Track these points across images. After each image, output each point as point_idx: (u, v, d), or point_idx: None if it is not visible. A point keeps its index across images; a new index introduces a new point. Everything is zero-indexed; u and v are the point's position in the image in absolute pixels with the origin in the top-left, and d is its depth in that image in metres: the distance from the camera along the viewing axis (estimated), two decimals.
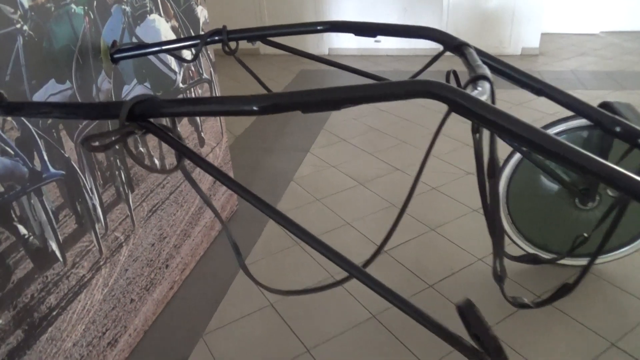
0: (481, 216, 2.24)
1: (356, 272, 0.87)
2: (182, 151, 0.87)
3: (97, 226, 1.42)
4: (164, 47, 1.43)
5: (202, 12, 1.97)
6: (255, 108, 0.81)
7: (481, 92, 0.87)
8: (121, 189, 1.53)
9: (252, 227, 2.27)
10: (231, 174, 2.36)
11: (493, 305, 1.71)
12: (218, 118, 2.19)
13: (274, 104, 0.79)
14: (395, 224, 1.15)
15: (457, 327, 0.78)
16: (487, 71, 0.99)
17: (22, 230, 1.15)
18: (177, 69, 1.81)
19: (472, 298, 1.75)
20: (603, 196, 1.69)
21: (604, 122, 1.32)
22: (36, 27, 1.15)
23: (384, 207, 2.38)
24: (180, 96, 1.85)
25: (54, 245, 1.26)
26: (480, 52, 1.21)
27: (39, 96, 1.17)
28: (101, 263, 1.45)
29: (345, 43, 5.36)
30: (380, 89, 0.81)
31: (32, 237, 1.18)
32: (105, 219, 1.46)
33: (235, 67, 4.70)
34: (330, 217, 2.32)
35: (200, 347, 1.63)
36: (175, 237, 1.87)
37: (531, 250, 1.85)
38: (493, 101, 1.07)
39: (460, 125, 3.14)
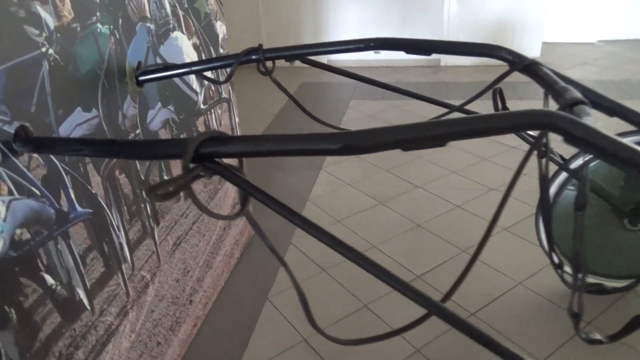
0: (512, 236, 2.15)
1: (436, 308, 0.76)
2: (254, 194, 0.75)
3: (123, 266, 1.28)
4: (194, 68, 1.31)
5: (221, 28, 1.86)
6: (336, 147, 0.69)
7: (593, 121, 0.77)
8: (147, 223, 1.39)
9: (272, 256, 2.14)
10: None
11: (541, 335, 1.61)
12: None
13: (375, 142, 0.67)
14: (467, 269, 1.04)
15: None
16: (579, 94, 0.89)
17: (49, 280, 1.02)
18: (198, 89, 1.68)
19: (517, 327, 1.64)
20: None
21: None
22: (62, 51, 1.03)
23: (409, 227, 2.27)
24: (202, 117, 1.73)
25: (81, 293, 1.12)
26: (553, 72, 1.12)
27: (65, 128, 1.04)
28: (128, 307, 1.31)
29: (342, 56, 5.27)
30: (485, 123, 0.70)
31: (59, 287, 1.05)
32: (132, 257, 1.32)
33: (251, 82, 4.58)
34: (354, 241, 2.20)
35: None
36: (198, 270, 1.73)
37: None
38: None
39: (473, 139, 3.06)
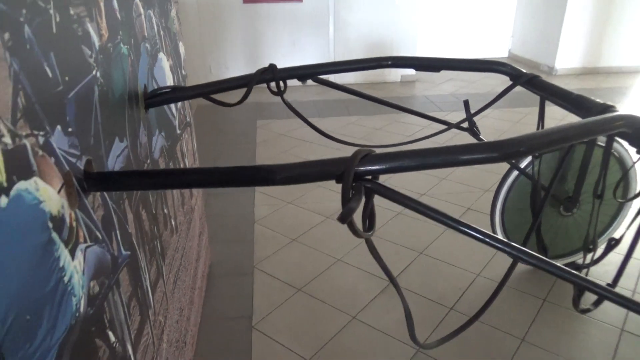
0: (456, 234, 2.38)
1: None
2: (419, 208, 0.76)
3: (150, 313, 1.14)
4: (206, 90, 1.24)
5: (182, 49, 1.76)
6: (496, 155, 0.74)
7: None
8: (159, 262, 1.26)
9: (239, 280, 2.06)
10: (206, 225, 2.12)
11: (513, 316, 1.83)
12: (196, 164, 1.95)
13: (528, 147, 0.74)
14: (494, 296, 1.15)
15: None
16: (600, 101, 1.08)
17: (112, 337, 0.88)
18: (175, 113, 1.57)
19: (490, 313, 1.82)
20: (582, 203, 1.94)
21: None
22: (104, 74, 0.91)
23: (413, 257, 2.19)
24: (178, 143, 1.61)
25: (130, 349, 0.98)
26: (547, 83, 1.30)
27: (111, 161, 0.91)
28: (155, 358, 1.17)
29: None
30: (573, 131, 0.81)
31: (117, 344, 0.90)
32: (154, 302, 1.18)
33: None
34: (317, 257, 2.22)
35: None
36: (187, 308, 1.59)
37: None
38: None
39: None
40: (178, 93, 1.22)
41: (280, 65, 1.29)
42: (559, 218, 1.98)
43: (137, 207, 1.08)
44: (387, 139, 3.66)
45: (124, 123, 1.01)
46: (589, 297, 1.84)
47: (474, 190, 2.83)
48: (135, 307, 1.03)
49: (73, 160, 0.74)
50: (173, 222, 1.46)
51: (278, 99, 4.90)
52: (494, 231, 1.99)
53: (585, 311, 1.49)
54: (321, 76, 1.37)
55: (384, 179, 2.72)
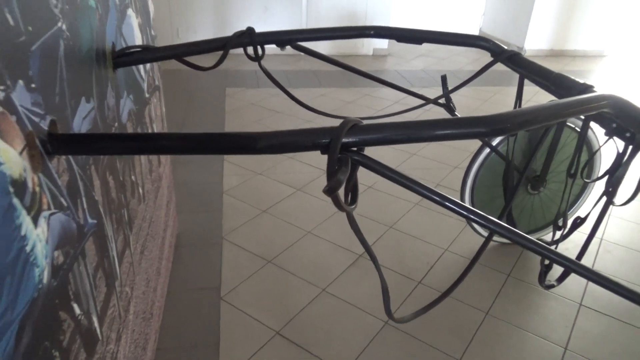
0: (425, 209, 2.40)
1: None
2: (405, 182, 0.74)
3: (116, 284, 1.10)
4: (179, 52, 1.17)
5: (151, 7, 1.65)
6: (489, 129, 0.72)
7: None
8: (125, 230, 1.20)
9: (207, 251, 2.01)
10: (174, 194, 2.05)
11: (480, 289, 1.87)
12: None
13: (522, 121, 0.72)
14: (466, 272, 1.17)
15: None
16: (581, 81, 1.08)
17: (77, 309, 0.83)
18: (144, 76, 1.48)
19: (458, 287, 1.86)
20: (548, 182, 1.99)
21: None
22: (71, 27, 0.83)
23: (383, 231, 2.23)
24: (147, 107, 1.53)
25: (95, 321, 0.93)
26: (524, 59, 1.30)
27: (77, 122, 0.85)
28: (121, 330, 1.13)
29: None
30: (563, 109, 0.81)
31: (82, 317, 0.86)
32: (120, 272, 1.13)
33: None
34: (287, 229, 2.20)
35: None
36: (154, 279, 1.55)
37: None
38: None
39: None
40: (149, 54, 1.14)
41: None
42: (525, 196, 2.02)
43: (104, 174, 1.02)
44: (359, 112, 3.64)
45: (92, 82, 0.94)
46: (553, 274, 1.90)
47: (443, 166, 2.86)
48: (102, 278, 0.98)
49: (36, 119, 0.68)
50: (141, 190, 1.39)
51: (248, 66, 4.78)
52: None
53: (549, 287, 1.54)
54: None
55: None
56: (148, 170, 1.51)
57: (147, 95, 1.52)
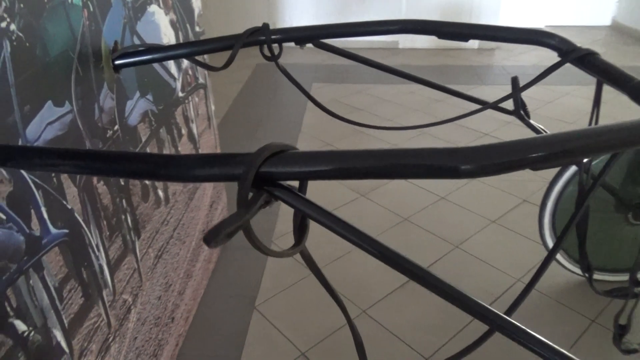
0: (502, 229, 2.09)
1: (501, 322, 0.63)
2: (333, 227, 0.57)
3: (104, 293, 1.06)
4: (185, 51, 1.08)
5: (196, 2, 1.61)
6: (467, 167, 0.52)
7: None
8: (128, 237, 1.16)
9: (253, 255, 1.95)
10: (224, 195, 2.02)
11: (547, 336, 1.56)
12: (212, 130, 1.84)
13: (497, 162, 0.51)
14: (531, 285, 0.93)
15: None
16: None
17: (20, 326, 0.78)
18: (176, 74, 1.44)
19: (529, 324, 1.58)
20: None
21: None
22: (27, 27, 0.78)
23: (396, 222, 2.15)
24: (180, 107, 1.49)
25: (58, 335, 0.89)
26: (603, 62, 1.01)
27: (34, 128, 0.80)
28: (110, 340, 1.09)
29: None
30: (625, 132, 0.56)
31: (32, 333, 0.81)
32: (112, 280, 1.09)
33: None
34: (339, 240, 2.05)
35: None
36: (180, 282, 1.51)
37: (573, 267, 1.72)
38: None
39: (455, 129, 3.01)
40: (153, 54, 1.07)
41: (350, 20, 1.09)
42: (625, 226, 1.64)
43: (89, 180, 0.98)
44: (444, 112, 3.33)
45: (67, 85, 0.89)
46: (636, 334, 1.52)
47: (530, 181, 2.48)
48: (75, 289, 0.94)
49: None
50: (161, 193, 1.35)
51: (338, 60, 4.66)
52: (542, 234, 1.70)
53: (630, 352, 1.21)
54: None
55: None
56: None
57: (180, 94, 1.48)
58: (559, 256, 1.73)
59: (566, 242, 1.69)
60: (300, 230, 0.63)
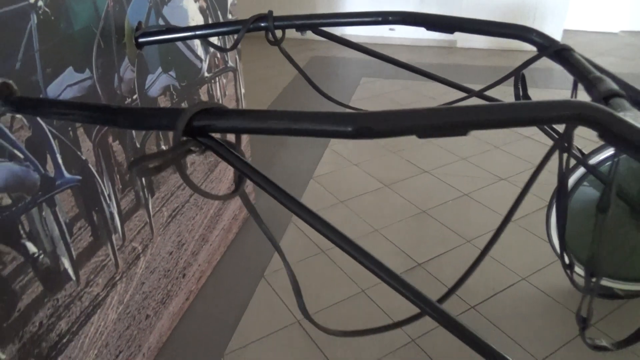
0: (520, 229, 2.08)
1: (430, 308, 0.70)
2: (250, 175, 0.68)
3: (114, 237, 1.23)
4: (198, 33, 1.23)
5: None
6: (349, 129, 0.62)
7: (635, 116, 0.69)
8: (141, 193, 1.33)
9: (272, 230, 2.08)
10: None
11: (543, 334, 1.56)
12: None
13: (375, 127, 0.60)
14: (474, 266, 0.98)
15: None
16: (616, 86, 0.81)
17: (32, 248, 0.96)
18: (203, 56, 1.60)
19: (517, 324, 1.59)
20: None
21: None
22: (53, 4, 0.95)
23: (414, 213, 2.21)
24: (206, 86, 1.65)
25: (66, 263, 1.07)
26: (586, 60, 1.03)
27: (54, 87, 0.97)
28: (117, 278, 1.26)
29: (354, 30, 5.15)
30: (513, 113, 0.62)
31: (42, 256, 0.99)
32: (122, 228, 1.27)
33: (257, 53, 4.48)
34: (356, 223, 2.14)
35: None
36: (194, 244, 1.68)
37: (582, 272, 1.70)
38: None
39: None
40: (171, 34, 1.23)
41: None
42: (637, 233, 1.60)
43: (104, 138, 1.15)
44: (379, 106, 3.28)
45: (88, 56, 1.06)
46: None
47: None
48: (85, 228, 1.12)
49: None
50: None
51: (404, 56, 4.69)
52: (548, 235, 1.69)
53: (598, 348, 1.20)
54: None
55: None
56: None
57: (206, 74, 1.64)
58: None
59: (576, 244, 1.67)
60: (239, 178, 0.74)
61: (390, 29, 5.05)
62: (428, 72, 1.27)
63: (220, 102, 1.78)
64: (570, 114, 0.62)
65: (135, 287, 1.35)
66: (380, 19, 1.19)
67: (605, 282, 1.67)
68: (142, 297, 1.40)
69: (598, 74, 0.89)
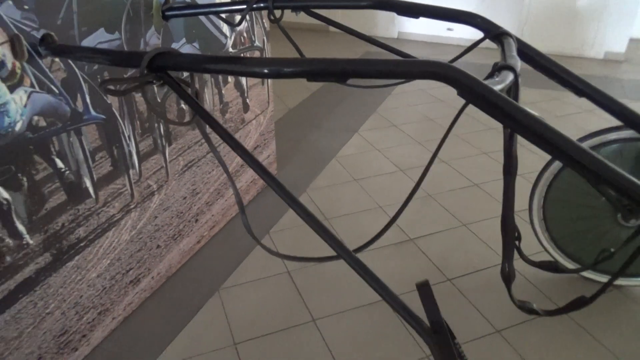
0: (519, 220, 2.15)
1: (346, 255, 0.87)
2: (192, 106, 0.91)
3: (131, 172, 1.52)
4: (212, 9, 1.48)
5: None
6: (265, 71, 0.83)
7: (497, 82, 0.84)
8: (159, 140, 1.61)
9: (296, 187, 2.32)
10: (273, 144, 2.42)
11: (509, 309, 1.66)
12: (266, 86, 2.24)
13: (280, 70, 0.81)
14: (406, 202, 1.14)
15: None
16: (516, 62, 0.95)
17: (59, 163, 1.26)
18: (228, 33, 1.86)
19: (487, 299, 1.70)
20: None
21: None
22: None
23: (421, 196, 2.34)
24: None
25: (87, 183, 1.36)
26: (522, 44, 1.16)
27: (87, 42, 1.26)
28: (132, 206, 1.55)
29: (414, 28, 5.25)
30: (384, 66, 0.80)
31: (67, 172, 1.29)
32: (140, 166, 1.55)
33: (297, 39, 4.74)
34: (363, 199, 2.32)
35: (215, 300, 1.71)
36: (208, 195, 1.95)
37: (562, 260, 1.76)
38: (516, 95, 1.03)
39: None
40: (190, 9, 1.49)
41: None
42: (615, 227, 1.64)
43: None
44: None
45: (119, 21, 1.34)
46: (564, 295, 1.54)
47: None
48: (106, 158, 1.41)
49: (28, 29, 1.10)
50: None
51: (477, 58, 4.76)
52: (531, 220, 1.77)
53: (529, 311, 1.29)
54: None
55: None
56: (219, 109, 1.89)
57: (230, 50, 1.89)
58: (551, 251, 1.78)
59: (555, 230, 1.75)
60: (196, 109, 0.97)
61: (448, 29, 5.09)
62: (374, 40, 1.43)
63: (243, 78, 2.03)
64: (432, 71, 0.79)
65: (148, 218, 1.64)
66: (356, 3, 1.37)
67: (563, 259, 1.74)
68: (154, 228, 1.68)
69: (514, 54, 1.03)
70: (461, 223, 2.13)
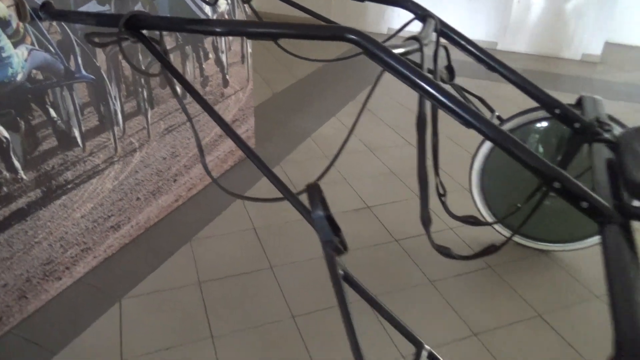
0: (465, 193, 2.37)
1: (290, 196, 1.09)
2: (160, 60, 1.13)
3: (115, 128, 1.74)
4: None
5: None
6: (217, 30, 1.05)
7: (399, 46, 1.06)
8: (142, 104, 1.84)
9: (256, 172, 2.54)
10: (252, 120, 2.64)
11: (446, 266, 1.88)
12: (246, 65, 2.46)
13: (231, 30, 1.03)
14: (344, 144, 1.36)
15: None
16: (425, 36, 1.18)
17: (53, 113, 1.48)
18: (210, 14, 2.08)
19: (426, 257, 1.92)
20: None
21: (563, 116, 1.47)
22: None
23: (383, 172, 2.57)
24: (211, 39, 2.13)
25: (76, 133, 1.59)
26: (445, 25, 1.38)
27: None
28: (115, 159, 1.77)
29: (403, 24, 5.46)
30: (303, 30, 1.02)
31: (59, 121, 1.51)
32: (124, 124, 1.77)
33: None
34: (332, 172, 2.54)
35: (186, 248, 1.93)
36: (187, 159, 2.17)
37: (500, 228, 1.99)
38: (421, 65, 1.25)
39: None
40: None
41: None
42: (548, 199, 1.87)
43: (115, 55, 1.65)
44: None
45: None
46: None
47: None
48: (93, 113, 1.63)
49: None
50: (178, 88, 2.01)
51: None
52: (471, 190, 2.00)
53: (448, 255, 1.51)
54: None
55: None
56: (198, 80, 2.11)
57: None
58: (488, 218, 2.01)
59: (492, 199, 1.97)
60: (162, 62, 1.19)
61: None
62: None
63: (225, 54, 2.25)
64: (341, 35, 1.01)
65: (129, 172, 1.86)
66: None
67: (524, 241, 1.96)
68: (135, 182, 1.90)
69: (431, 31, 1.25)
70: (416, 194, 2.36)
